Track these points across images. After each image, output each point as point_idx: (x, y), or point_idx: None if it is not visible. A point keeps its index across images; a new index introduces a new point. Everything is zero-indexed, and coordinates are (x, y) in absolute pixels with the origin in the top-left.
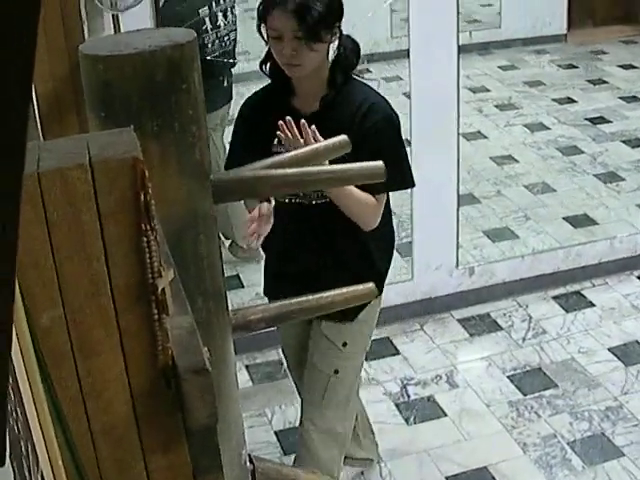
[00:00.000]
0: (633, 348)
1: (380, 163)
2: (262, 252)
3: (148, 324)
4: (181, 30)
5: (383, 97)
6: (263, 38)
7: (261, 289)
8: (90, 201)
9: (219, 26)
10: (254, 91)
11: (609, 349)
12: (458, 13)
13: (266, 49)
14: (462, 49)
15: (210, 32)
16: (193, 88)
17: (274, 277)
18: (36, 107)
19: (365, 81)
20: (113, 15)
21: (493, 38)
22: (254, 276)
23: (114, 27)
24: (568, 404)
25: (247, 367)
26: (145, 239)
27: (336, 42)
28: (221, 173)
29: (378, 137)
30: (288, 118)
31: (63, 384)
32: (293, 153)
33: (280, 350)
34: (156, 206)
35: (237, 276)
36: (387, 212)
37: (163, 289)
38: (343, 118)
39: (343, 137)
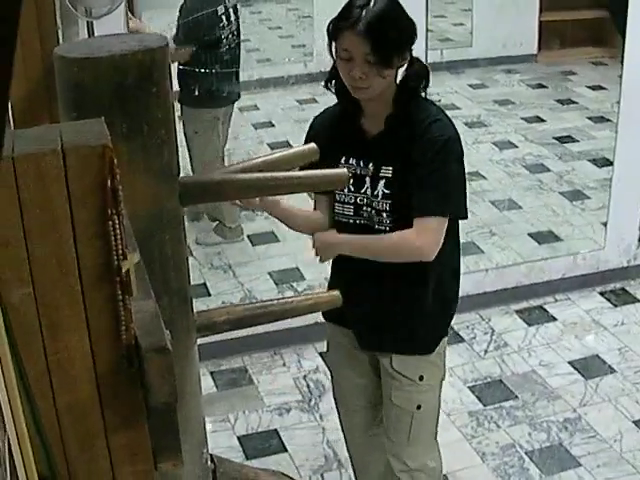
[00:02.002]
0: (593, 362)
1: (344, 170)
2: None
3: (112, 304)
4: (154, 35)
5: (448, 118)
6: (332, 56)
7: (228, 297)
8: (61, 185)
9: (231, 22)
10: (326, 107)
11: (569, 362)
12: (427, 31)
13: (330, 67)
14: (433, 67)
15: (226, 27)
16: (163, 91)
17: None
18: (10, 108)
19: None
20: (88, 22)
21: (464, 57)
22: (221, 284)
23: (88, 34)
24: (527, 415)
25: (212, 373)
26: (111, 223)
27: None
28: (188, 176)
29: (430, 155)
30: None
31: (31, 360)
32: (262, 159)
33: (245, 358)
34: (123, 205)
35: (204, 284)
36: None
37: (127, 271)
38: (406, 136)
39: (312, 145)
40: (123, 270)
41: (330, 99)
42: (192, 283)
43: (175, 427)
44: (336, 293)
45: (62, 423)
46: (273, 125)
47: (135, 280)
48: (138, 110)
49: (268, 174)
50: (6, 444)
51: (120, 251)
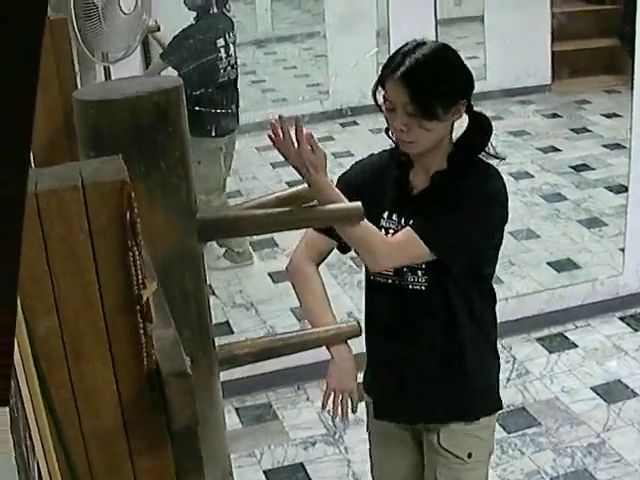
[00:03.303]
0: (615, 387)
1: (358, 204)
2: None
3: (134, 332)
4: (169, 77)
5: (503, 186)
6: (377, 105)
7: (251, 334)
8: (82, 219)
9: (230, 55)
10: (380, 151)
11: (592, 388)
12: None
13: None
14: None
15: (224, 59)
16: (179, 130)
17: (371, 366)
18: (31, 154)
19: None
20: (105, 67)
21: (479, 89)
22: (244, 322)
23: (106, 78)
24: (551, 441)
25: (237, 410)
26: (131, 254)
27: (463, 117)
28: (207, 213)
29: (462, 195)
30: (279, 115)
31: (57, 388)
32: (277, 194)
33: (270, 394)
34: (143, 244)
35: (227, 322)
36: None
37: (147, 299)
38: (451, 192)
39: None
40: (144, 299)
41: (347, 137)
42: (215, 321)
43: (197, 450)
44: (355, 324)
45: (89, 448)
46: None
47: (154, 308)
48: (155, 150)
49: (284, 209)
50: (35, 469)
51: (140, 280)
